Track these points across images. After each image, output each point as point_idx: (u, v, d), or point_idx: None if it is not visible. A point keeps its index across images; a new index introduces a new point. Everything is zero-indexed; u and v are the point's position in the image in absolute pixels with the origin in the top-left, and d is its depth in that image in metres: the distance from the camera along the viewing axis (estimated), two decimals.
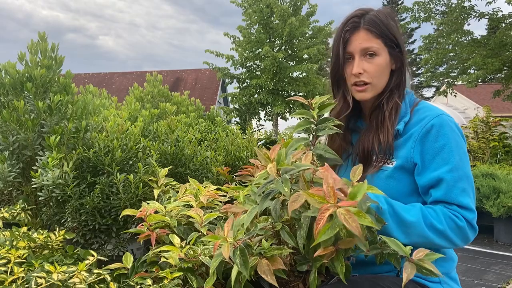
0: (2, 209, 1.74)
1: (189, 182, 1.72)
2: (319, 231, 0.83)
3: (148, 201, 1.47)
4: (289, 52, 15.56)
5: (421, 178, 1.20)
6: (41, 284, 1.07)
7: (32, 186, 1.73)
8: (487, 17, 10.62)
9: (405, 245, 1.16)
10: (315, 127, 1.16)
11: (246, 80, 15.96)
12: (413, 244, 1.07)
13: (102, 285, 1.17)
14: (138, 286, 1.17)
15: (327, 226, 0.84)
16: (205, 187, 1.63)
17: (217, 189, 1.65)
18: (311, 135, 1.18)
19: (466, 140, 1.27)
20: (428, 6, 10.88)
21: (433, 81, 12.98)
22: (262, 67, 15.47)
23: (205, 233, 1.32)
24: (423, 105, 1.28)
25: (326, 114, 1.21)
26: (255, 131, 12.30)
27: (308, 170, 1.03)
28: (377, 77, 1.26)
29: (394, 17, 1.31)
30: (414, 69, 33.68)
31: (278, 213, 1.03)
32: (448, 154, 1.17)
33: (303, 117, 1.17)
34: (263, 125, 16.26)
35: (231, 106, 17.38)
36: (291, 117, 16.27)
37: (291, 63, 15.71)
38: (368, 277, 1.16)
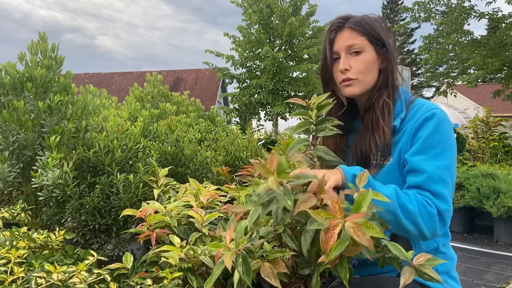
0: (2, 209, 1.74)
1: (189, 182, 1.72)
2: (331, 248, 0.83)
3: (148, 201, 1.47)
4: (289, 52, 15.55)
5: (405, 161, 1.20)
6: (41, 284, 1.07)
7: (32, 186, 1.72)
8: (487, 17, 10.62)
9: (408, 243, 1.16)
10: (314, 127, 1.16)
11: (246, 80, 15.95)
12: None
13: (102, 285, 1.17)
14: (138, 286, 1.17)
15: (338, 242, 0.84)
16: (205, 187, 1.63)
17: (217, 189, 1.65)
18: (311, 136, 1.18)
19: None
20: (428, 6, 10.87)
21: (433, 81, 12.98)
22: (262, 67, 15.45)
23: (206, 233, 1.32)
24: (418, 102, 1.29)
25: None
26: (255, 131, 12.30)
27: (313, 183, 1.01)
28: (364, 73, 1.28)
29: (381, 20, 1.33)
30: (414, 69, 33.69)
31: (280, 217, 1.03)
32: (431, 143, 1.17)
33: (302, 118, 1.17)
34: (263, 125, 16.27)
35: (231, 106, 17.38)
36: (291, 118, 16.26)
37: (291, 63, 15.69)
38: (369, 279, 1.16)
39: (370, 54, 1.28)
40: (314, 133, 1.17)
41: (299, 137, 1.27)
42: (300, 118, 1.18)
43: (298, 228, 1.07)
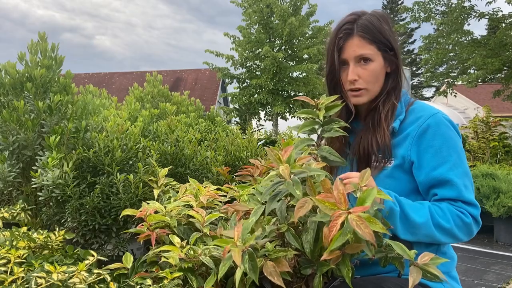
0: (2, 209, 1.74)
1: (189, 182, 1.72)
2: (332, 238, 0.84)
3: (148, 201, 1.47)
4: (289, 52, 15.56)
5: (420, 175, 1.21)
6: (41, 284, 1.07)
7: (32, 186, 1.72)
8: (487, 17, 10.62)
9: (409, 242, 1.17)
10: (320, 128, 1.16)
11: (246, 80, 15.96)
12: (417, 241, 1.12)
13: (102, 285, 1.17)
14: (138, 286, 1.17)
15: (340, 233, 0.85)
16: (205, 187, 1.63)
17: (217, 189, 1.65)
18: (316, 136, 1.18)
19: (465, 139, 1.29)
20: (428, 6, 10.87)
21: (433, 81, 12.97)
22: (262, 67, 15.47)
23: (207, 233, 1.32)
24: (418, 105, 1.30)
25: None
26: (255, 131, 12.31)
27: (323, 178, 1.02)
28: (372, 83, 1.28)
29: (387, 20, 1.31)
30: (414, 69, 33.68)
31: (284, 214, 1.03)
32: (447, 152, 1.19)
33: (308, 117, 1.17)
34: (263, 125, 16.29)
35: (231, 106, 17.39)
36: (292, 117, 16.27)
37: (291, 63, 15.71)
38: (371, 279, 1.16)
39: (378, 62, 1.27)
40: (319, 133, 1.16)
41: (299, 137, 1.26)
42: (301, 118, 1.18)
43: (300, 228, 1.07)
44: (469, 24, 10.84)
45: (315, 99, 1.17)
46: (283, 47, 15.71)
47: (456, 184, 1.16)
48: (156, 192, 1.76)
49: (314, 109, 1.16)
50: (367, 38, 1.26)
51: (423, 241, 1.15)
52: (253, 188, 1.42)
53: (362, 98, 1.29)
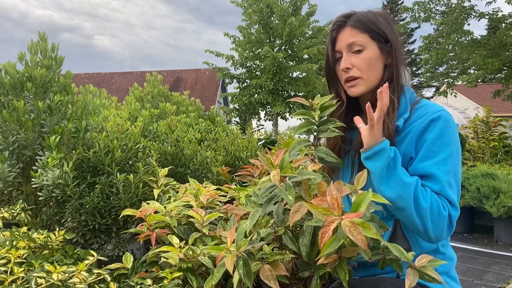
0: (2, 209, 1.74)
1: (189, 182, 1.72)
2: (324, 244, 0.83)
3: (148, 201, 1.47)
4: (289, 52, 15.56)
5: (409, 166, 1.20)
6: (41, 284, 1.07)
7: (32, 186, 1.72)
8: (487, 17, 10.62)
9: (408, 243, 1.16)
10: (316, 128, 1.16)
11: (246, 80, 15.96)
12: (391, 202, 1.08)
13: (102, 285, 1.17)
14: (138, 286, 1.17)
15: (332, 238, 0.84)
16: (205, 187, 1.63)
17: (217, 189, 1.65)
18: (312, 136, 1.18)
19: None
20: (428, 6, 10.87)
21: (433, 81, 12.96)
22: (262, 67, 15.47)
23: (206, 233, 1.32)
24: (424, 103, 1.28)
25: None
26: (255, 131, 12.30)
27: (318, 181, 1.01)
28: (366, 70, 1.26)
29: (385, 16, 1.31)
30: (414, 69, 33.64)
31: (281, 218, 1.02)
32: (438, 147, 1.17)
33: (304, 118, 1.17)
34: (263, 125, 16.30)
35: (231, 106, 17.39)
36: (291, 117, 16.29)
37: (291, 63, 15.70)
38: (369, 280, 1.16)
39: (372, 51, 1.26)
40: (316, 134, 1.16)
41: (299, 137, 1.26)
42: (301, 119, 1.17)
43: (298, 230, 1.07)
44: (469, 24, 10.84)
45: (310, 100, 1.16)
46: (283, 47, 15.71)
47: (438, 179, 1.14)
48: (156, 192, 1.76)
49: (311, 110, 1.16)
50: (359, 27, 1.26)
51: (395, 204, 1.10)
52: (252, 189, 1.42)
53: (358, 88, 1.28)
